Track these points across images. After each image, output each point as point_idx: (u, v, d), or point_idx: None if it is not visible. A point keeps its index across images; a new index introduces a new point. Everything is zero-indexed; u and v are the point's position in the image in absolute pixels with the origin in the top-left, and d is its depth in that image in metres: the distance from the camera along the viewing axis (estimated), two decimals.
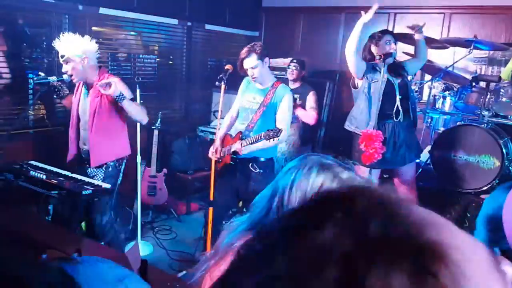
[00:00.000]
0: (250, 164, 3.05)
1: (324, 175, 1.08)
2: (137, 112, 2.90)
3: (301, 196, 1.06)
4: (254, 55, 2.92)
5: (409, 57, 3.78)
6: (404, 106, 3.18)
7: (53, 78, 2.85)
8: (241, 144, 2.94)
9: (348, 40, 3.21)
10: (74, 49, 2.73)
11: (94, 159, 2.95)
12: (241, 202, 3.75)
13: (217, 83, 2.91)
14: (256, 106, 3.06)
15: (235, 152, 3.05)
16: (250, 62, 2.93)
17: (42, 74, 2.97)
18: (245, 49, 2.96)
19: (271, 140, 2.80)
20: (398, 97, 3.16)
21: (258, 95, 3.07)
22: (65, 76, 2.79)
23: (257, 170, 3.05)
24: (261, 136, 2.84)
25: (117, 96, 2.74)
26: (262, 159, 3.07)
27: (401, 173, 3.33)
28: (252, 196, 3.16)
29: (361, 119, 3.24)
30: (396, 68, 3.24)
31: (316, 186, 1.06)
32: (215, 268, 1.15)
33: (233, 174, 3.06)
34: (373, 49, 3.23)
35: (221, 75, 2.92)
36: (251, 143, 2.92)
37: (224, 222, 3.26)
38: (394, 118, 3.17)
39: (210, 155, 3.18)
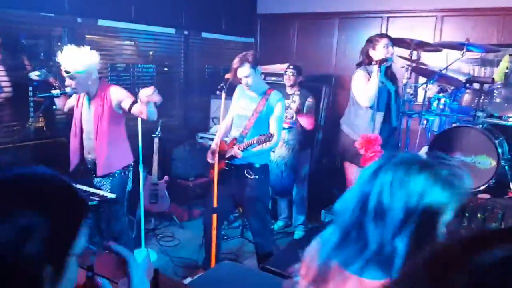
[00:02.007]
0: (245, 170, 3.13)
1: (425, 173, 1.02)
2: (154, 109, 2.93)
3: (405, 195, 0.99)
4: (247, 64, 3.01)
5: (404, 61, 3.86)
6: (397, 112, 3.27)
7: (56, 92, 2.90)
8: (239, 148, 3.01)
9: (369, 89, 3.19)
10: (79, 65, 2.76)
11: (102, 168, 3.00)
12: (240, 208, 3.82)
13: (218, 92, 2.97)
14: (249, 113, 3.14)
15: (230, 158, 3.11)
16: (244, 72, 3.02)
17: (43, 71, 2.99)
18: (237, 59, 3.05)
19: (264, 144, 2.91)
20: (393, 104, 3.23)
21: (251, 103, 3.16)
22: (68, 89, 2.83)
23: (253, 176, 3.13)
24: (254, 141, 2.93)
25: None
26: (257, 165, 3.15)
27: None
28: (248, 201, 3.22)
29: (364, 127, 3.25)
30: (392, 74, 3.31)
31: (420, 185, 1.00)
32: None
33: (227, 179, 3.13)
34: (371, 53, 3.29)
35: (221, 84, 2.98)
36: (246, 148, 3.00)
37: (222, 227, 3.33)
38: (389, 123, 3.25)
39: (209, 159, 3.25)
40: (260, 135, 2.91)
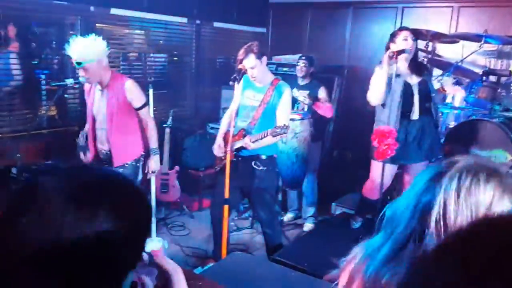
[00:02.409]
0: (253, 162, 3.11)
1: (494, 182, 0.90)
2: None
3: (475, 207, 0.88)
4: (252, 55, 2.99)
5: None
6: (422, 106, 3.18)
7: (70, 81, 2.90)
8: (250, 140, 2.99)
9: (373, 87, 3.17)
10: (88, 55, 2.74)
11: (117, 159, 3.02)
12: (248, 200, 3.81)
13: (231, 83, 2.95)
14: (256, 104, 3.11)
15: (238, 149, 3.09)
16: (249, 63, 3.00)
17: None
18: (242, 50, 3.03)
19: (278, 136, 2.87)
20: (416, 96, 3.15)
21: (258, 93, 3.13)
22: (81, 79, 2.82)
23: (261, 168, 3.11)
24: (267, 133, 2.91)
25: None
26: (264, 157, 3.13)
27: (411, 171, 3.34)
28: (256, 193, 3.20)
29: (386, 123, 3.15)
30: (417, 67, 3.22)
31: (489, 196, 0.89)
32: None
33: (235, 171, 3.10)
34: (392, 47, 3.21)
35: (235, 75, 2.95)
36: (257, 140, 2.98)
37: (231, 218, 3.32)
38: (410, 117, 3.17)
39: (215, 152, 3.24)
40: (275, 127, 2.89)
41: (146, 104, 3.05)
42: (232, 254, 2.91)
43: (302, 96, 4.08)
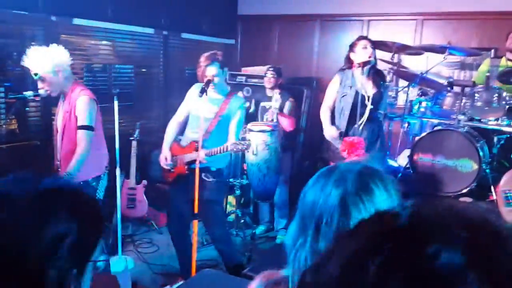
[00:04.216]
0: (203, 174, 3.02)
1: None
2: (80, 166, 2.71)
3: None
4: (217, 63, 2.93)
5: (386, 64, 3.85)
6: (372, 115, 3.24)
7: (29, 93, 2.74)
8: (206, 154, 2.90)
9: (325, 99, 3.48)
10: (46, 65, 2.60)
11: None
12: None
13: (199, 94, 2.87)
14: (210, 115, 3.02)
15: (189, 162, 3.01)
16: (213, 70, 2.92)
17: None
18: (205, 56, 2.96)
19: (238, 152, 2.83)
20: (368, 108, 3.20)
21: (212, 105, 3.04)
22: (41, 91, 2.68)
23: (210, 179, 3.05)
24: (227, 148, 2.83)
25: None
26: (213, 169, 3.06)
27: None
28: (206, 205, 3.13)
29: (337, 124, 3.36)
30: (375, 76, 3.28)
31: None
32: None
33: (187, 183, 3.02)
34: (352, 56, 3.27)
35: (203, 86, 2.89)
36: (213, 154, 2.91)
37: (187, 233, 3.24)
38: (356, 123, 3.23)
39: (162, 163, 3.13)
40: (235, 142, 2.84)
41: (89, 128, 2.75)
42: (202, 271, 2.81)
43: (272, 105, 4.03)
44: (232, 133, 3.01)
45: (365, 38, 3.33)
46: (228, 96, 3.05)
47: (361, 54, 3.19)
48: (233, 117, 3.01)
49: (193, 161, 2.95)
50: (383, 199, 0.94)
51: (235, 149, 2.81)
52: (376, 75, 3.27)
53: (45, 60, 2.60)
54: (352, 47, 3.30)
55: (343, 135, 3.24)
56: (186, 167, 3.05)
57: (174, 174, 3.15)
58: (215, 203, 3.14)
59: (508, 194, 3.06)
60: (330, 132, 3.28)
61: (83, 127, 2.73)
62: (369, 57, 3.17)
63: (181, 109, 3.20)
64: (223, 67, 2.98)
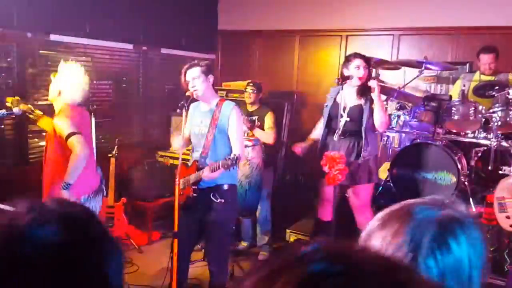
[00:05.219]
0: (212, 193, 2.93)
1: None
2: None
3: None
4: (198, 67, 2.87)
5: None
6: (351, 128, 3.26)
7: (2, 112, 2.66)
8: (200, 175, 2.84)
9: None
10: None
11: (45, 196, 2.71)
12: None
13: (178, 110, 2.83)
14: (205, 130, 2.94)
15: (195, 183, 2.95)
16: (193, 73, 2.86)
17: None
18: (188, 64, 2.94)
19: (231, 168, 2.71)
20: (345, 119, 3.23)
21: (205, 117, 2.97)
22: (15, 109, 2.61)
23: (218, 200, 2.92)
24: (219, 166, 2.73)
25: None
26: (225, 187, 2.95)
27: (354, 192, 3.38)
28: (211, 227, 3.00)
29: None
30: (361, 92, 3.27)
31: None
32: None
33: (195, 205, 2.94)
34: (345, 72, 3.27)
35: (182, 102, 2.84)
36: (211, 172, 2.82)
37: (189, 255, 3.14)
38: (337, 136, 3.24)
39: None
40: (225, 159, 2.67)
41: (75, 133, 2.62)
42: None
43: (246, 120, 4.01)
44: (234, 142, 2.90)
45: (361, 56, 3.26)
46: (218, 104, 2.95)
47: (353, 73, 3.20)
48: (229, 124, 2.90)
49: (199, 181, 2.88)
50: (460, 256, 0.83)
51: (225, 167, 2.67)
52: (363, 90, 3.27)
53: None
54: (346, 62, 3.29)
55: (323, 149, 3.25)
56: (192, 188, 2.96)
57: (183, 197, 3.03)
58: (219, 225, 2.96)
59: (502, 202, 3.10)
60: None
61: (71, 134, 2.60)
62: (360, 79, 3.19)
63: (184, 129, 3.09)
64: (206, 73, 2.90)
